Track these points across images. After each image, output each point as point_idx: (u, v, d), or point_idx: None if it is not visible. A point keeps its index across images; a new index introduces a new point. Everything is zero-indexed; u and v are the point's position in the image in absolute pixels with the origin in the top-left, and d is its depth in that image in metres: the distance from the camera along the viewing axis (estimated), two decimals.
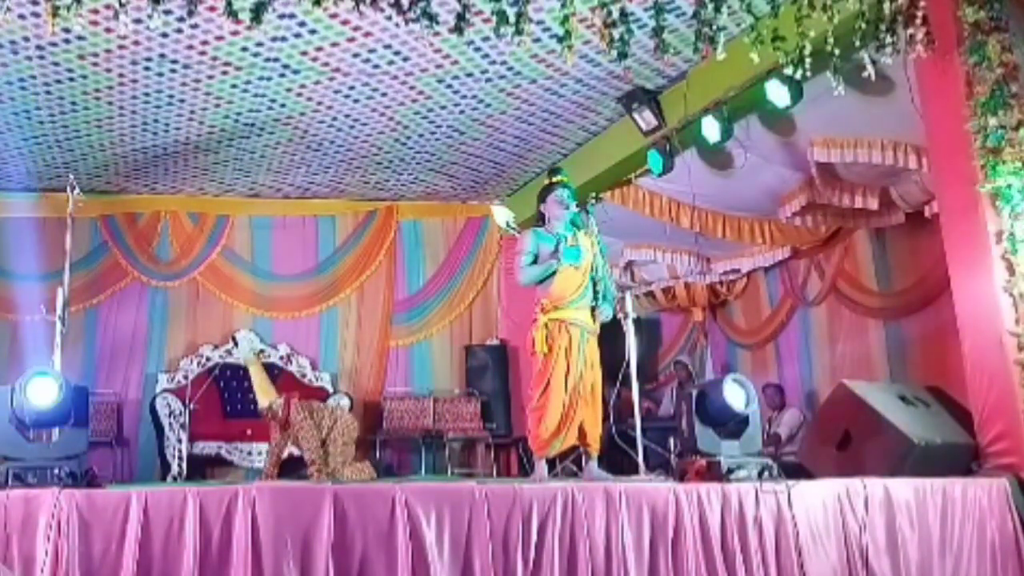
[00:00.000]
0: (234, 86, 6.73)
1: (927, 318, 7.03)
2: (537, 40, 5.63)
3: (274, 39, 6.00)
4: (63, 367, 5.00)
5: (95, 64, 6.30)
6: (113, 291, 9.10)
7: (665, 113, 6.97)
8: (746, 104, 6.25)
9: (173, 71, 6.44)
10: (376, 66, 6.48)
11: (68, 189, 5.83)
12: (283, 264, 9.64)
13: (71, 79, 6.51)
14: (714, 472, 4.27)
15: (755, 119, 6.48)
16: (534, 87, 6.94)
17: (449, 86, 6.88)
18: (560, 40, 4.41)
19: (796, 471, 5.06)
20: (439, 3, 4.46)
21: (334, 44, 6.13)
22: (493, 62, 6.48)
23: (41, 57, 6.18)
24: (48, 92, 6.73)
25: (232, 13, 4.09)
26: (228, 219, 9.54)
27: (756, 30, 4.56)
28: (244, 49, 6.16)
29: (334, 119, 7.45)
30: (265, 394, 6.61)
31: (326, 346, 9.58)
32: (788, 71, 4.73)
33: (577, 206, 5.13)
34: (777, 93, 5.75)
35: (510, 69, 6.61)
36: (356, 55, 6.29)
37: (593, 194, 5.52)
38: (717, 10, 4.47)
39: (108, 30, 5.77)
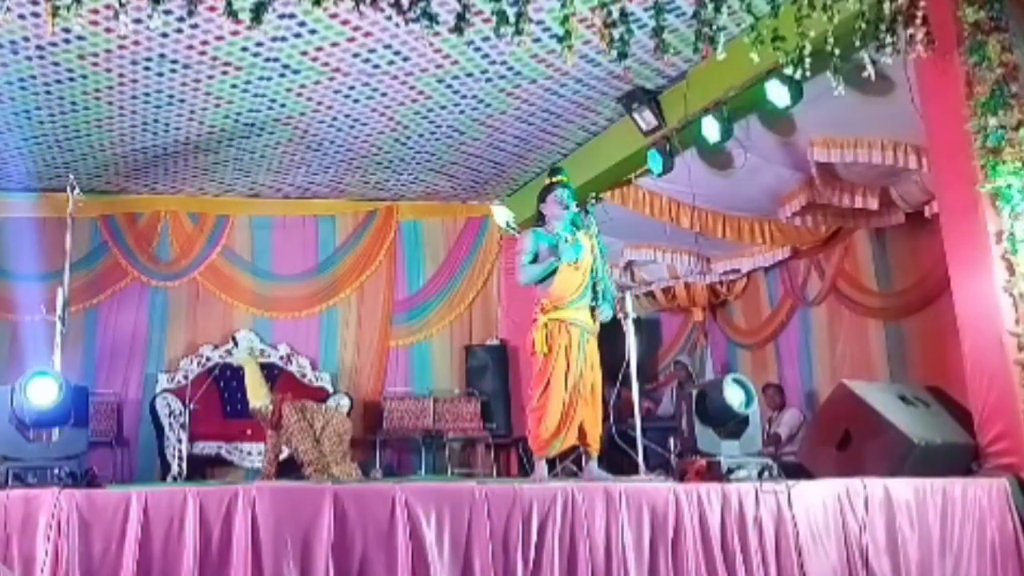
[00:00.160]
0: (234, 86, 6.73)
1: (927, 318, 7.03)
2: (537, 40, 5.63)
3: (274, 39, 6.00)
4: (63, 367, 5.01)
5: (95, 64, 6.30)
6: (113, 291, 9.10)
7: (665, 113, 6.97)
8: (746, 104, 6.24)
9: (173, 71, 6.44)
10: (376, 66, 6.48)
11: (68, 189, 5.84)
12: (283, 264, 9.64)
13: (71, 79, 6.51)
14: (714, 472, 4.27)
15: (755, 119, 6.48)
16: (534, 87, 6.94)
17: (449, 86, 6.88)
18: (560, 40, 4.40)
19: (796, 471, 5.05)
20: (439, 3, 4.46)
21: (334, 44, 6.13)
22: (493, 62, 6.48)
23: (41, 57, 6.18)
24: (48, 92, 6.73)
25: (232, 13, 4.09)
26: (228, 219, 9.54)
27: (756, 30, 4.55)
28: (244, 49, 6.16)
29: (334, 119, 7.44)
30: (256, 395, 6.58)
31: (326, 346, 9.57)
32: (788, 71, 4.72)
33: (577, 206, 5.13)
34: (777, 93, 5.75)
35: (510, 69, 6.61)
36: (356, 55, 6.29)
37: (593, 194, 5.54)
38: (717, 10, 4.46)
39: (108, 30, 5.77)
